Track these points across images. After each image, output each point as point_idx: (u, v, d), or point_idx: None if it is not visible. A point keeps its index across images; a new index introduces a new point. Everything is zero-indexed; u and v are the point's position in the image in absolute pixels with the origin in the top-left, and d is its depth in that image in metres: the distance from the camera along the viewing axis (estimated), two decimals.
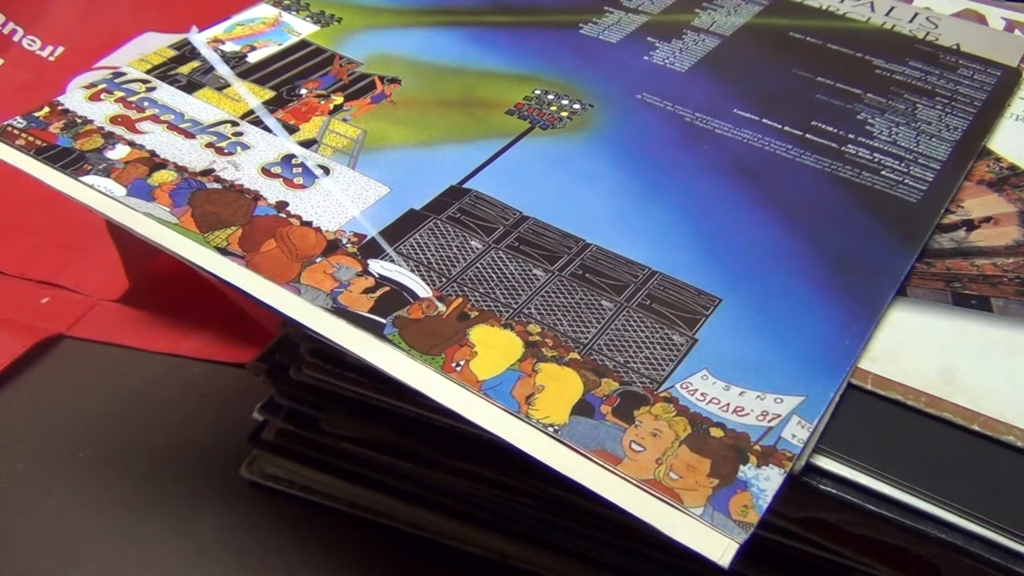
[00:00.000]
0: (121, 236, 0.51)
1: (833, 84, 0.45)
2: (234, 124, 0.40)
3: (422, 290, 0.33)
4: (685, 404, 0.30)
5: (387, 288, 0.33)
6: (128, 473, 0.46)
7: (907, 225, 0.37)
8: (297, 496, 0.44)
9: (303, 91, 0.42)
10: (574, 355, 0.31)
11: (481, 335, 0.31)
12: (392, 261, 0.34)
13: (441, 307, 0.32)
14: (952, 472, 0.28)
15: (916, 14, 0.51)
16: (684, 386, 0.30)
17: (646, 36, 0.48)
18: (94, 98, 0.40)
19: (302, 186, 0.37)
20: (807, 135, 0.41)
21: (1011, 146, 0.42)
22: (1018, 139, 0.43)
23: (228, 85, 0.42)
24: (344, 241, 0.34)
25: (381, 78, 0.43)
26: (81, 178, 0.36)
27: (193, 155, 0.38)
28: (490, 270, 0.34)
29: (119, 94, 0.41)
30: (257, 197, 0.36)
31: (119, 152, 0.38)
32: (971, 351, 0.32)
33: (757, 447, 0.28)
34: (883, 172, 0.40)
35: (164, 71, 0.43)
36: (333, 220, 0.35)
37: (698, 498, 0.27)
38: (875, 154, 0.41)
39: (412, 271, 0.34)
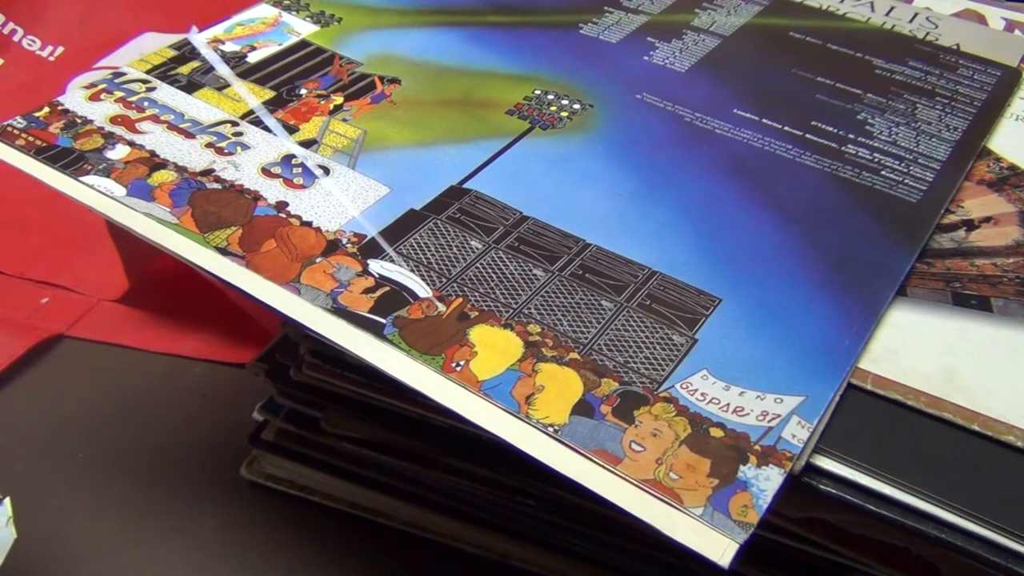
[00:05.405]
0: (121, 236, 0.51)
1: (833, 84, 0.45)
2: (234, 124, 0.40)
3: (422, 290, 0.33)
4: (685, 404, 0.30)
5: (387, 288, 0.33)
6: (128, 473, 0.46)
7: (907, 225, 0.37)
8: (297, 496, 0.44)
9: (303, 91, 0.42)
10: (574, 355, 0.31)
11: (481, 335, 0.31)
12: (392, 261, 0.34)
13: (441, 307, 0.32)
14: (952, 472, 0.28)
15: (916, 14, 0.51)
16: (684, 386, 0.30)
17: (646, 36, 0.48)
18: (94, 98, 0.40)
19: (302, 186, 0.37)
20: (807, 135, 0.41)
21: (1011, 146, 0.42)
22: (1018, 139, 0.43)
23: (228, 85, 0.42)
24: (344, 241, 0.34)
25: (381, 78, 0.43)
26: (81, 178, 0.36)
27: (193, 155, 0.38)
28: (490, 270, 0.34)
29: (119, 94, 0.41)
30: (257, 197, 0.36)
31: (119, 152, 0.38)
32: (971, 351, 0.32)
33: (757, 447, 0.28)
34: (883, 172, 0.40)
35: (164, 71, 0.43)
36: (333, 220, 0.35)
37: (698, 498, 0.27)
38: (875, 154, 0.41)
39: (412, 271, 0.34)
